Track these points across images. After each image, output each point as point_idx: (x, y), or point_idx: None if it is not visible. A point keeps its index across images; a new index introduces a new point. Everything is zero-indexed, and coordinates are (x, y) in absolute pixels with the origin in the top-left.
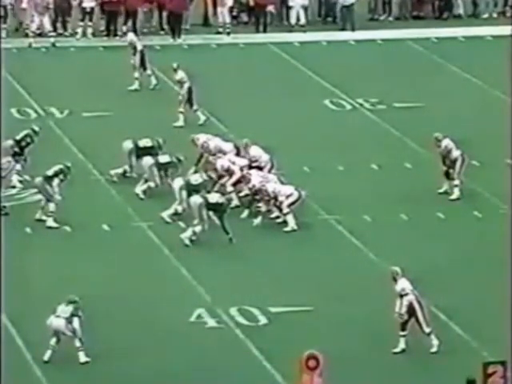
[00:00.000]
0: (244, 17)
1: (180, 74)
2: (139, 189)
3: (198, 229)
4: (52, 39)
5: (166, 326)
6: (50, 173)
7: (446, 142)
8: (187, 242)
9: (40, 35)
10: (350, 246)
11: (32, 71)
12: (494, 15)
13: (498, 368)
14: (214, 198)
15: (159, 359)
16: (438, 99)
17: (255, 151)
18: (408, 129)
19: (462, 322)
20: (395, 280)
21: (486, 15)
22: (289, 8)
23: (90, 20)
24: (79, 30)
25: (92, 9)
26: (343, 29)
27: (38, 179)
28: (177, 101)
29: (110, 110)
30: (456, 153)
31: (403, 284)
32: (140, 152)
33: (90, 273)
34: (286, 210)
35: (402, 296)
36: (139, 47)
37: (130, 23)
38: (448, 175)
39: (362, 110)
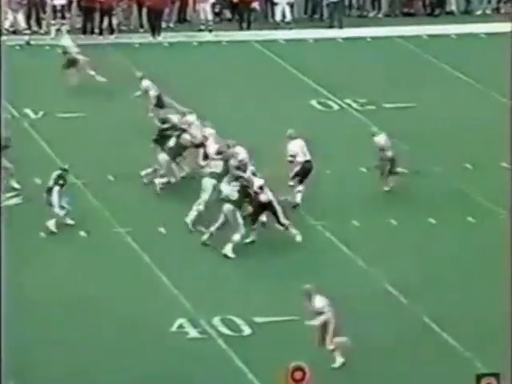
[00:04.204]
0: (227, 13)
1: (145, 83)
2: (158, 181)
3: (235, 237)
4: (26, 37)
5: (146, 336)
6: (50, 183)
7: (379, 139)
8: (231, 254)
9: (14, 33)
10: (338, 252)
11: (5, 70)
12: (488, 12)
13: (491, 380)
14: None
15: (138, 371)
16: (429, 99)
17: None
18: (399, 130)
19: (455, 332)
20: (309, 298)
21: (479, 12)
22: (274, 4)
23: (63, 18)
24: (52, 29)
25: (63, 6)
26: (331, 26)
27: (44, 195)
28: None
29: (86, 111)
30: (389, 153)
31: (319, 302)
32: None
33: (66, 281)
34: (286, 222)
35: (318, 314)
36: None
37: (106, 21)
38: (385, 171)
39: (351, 111)
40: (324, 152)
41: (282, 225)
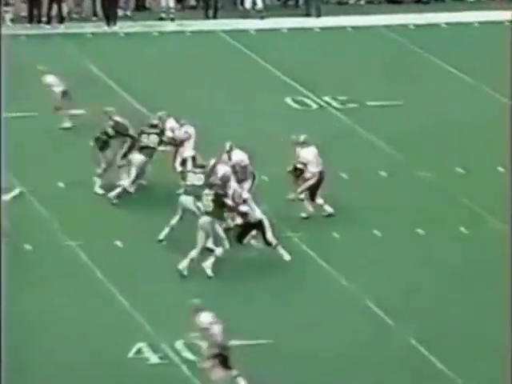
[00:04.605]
0: (191, 0)
1: (49, 79)
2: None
3: (219, 252)
4: None
5: (101, 363)
6: None
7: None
8: (210, 272)
9: None
10: (316, 268)
11: None
12: None
13: None
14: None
15: None
16: (417, 96)
17: (239, 156)
18: (383, 131)
19: (446, 355)
20: (198, 314)
21: None
22: None
23: (6, 4)
24: None
25: None
26: (307, 14)
27: None
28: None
29: (33, 110)
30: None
31: (206, 318)
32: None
33: (10, 302)
34: (274, 242)
35: (205, 330)
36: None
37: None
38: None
39: (330, 110)
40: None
41: (269, 244)
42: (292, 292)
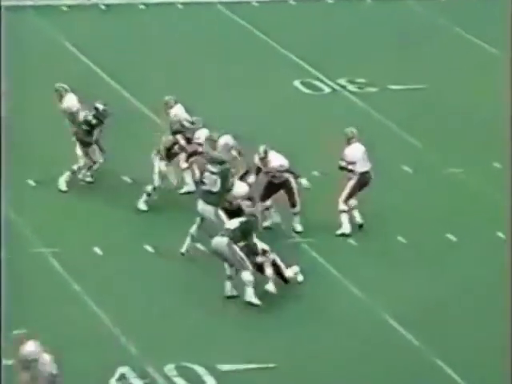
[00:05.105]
0: None
1: None
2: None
3: (246, 276)
4: None
5: None
6: None
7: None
8: (256, 301)
9: None
10: (327, 278)
11: None
12: None
13: None
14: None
15: None
16: (445, 78)
17: (278, 160)
18: (406, 119)
19: (468, 373)
20: (23, 343)
21: None
22: None
23: None
24: None
25: None
26: None
27: None
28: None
29: None
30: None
31: (32, 347)
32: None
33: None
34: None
35: (28, 363)
36: None
37: None
38: None
39: (345, 94)
40: (311, 147)
41: (287, 281)
42: (298, 304)
